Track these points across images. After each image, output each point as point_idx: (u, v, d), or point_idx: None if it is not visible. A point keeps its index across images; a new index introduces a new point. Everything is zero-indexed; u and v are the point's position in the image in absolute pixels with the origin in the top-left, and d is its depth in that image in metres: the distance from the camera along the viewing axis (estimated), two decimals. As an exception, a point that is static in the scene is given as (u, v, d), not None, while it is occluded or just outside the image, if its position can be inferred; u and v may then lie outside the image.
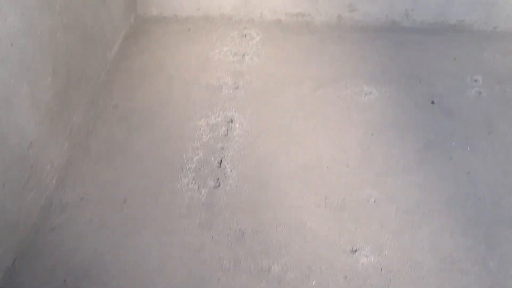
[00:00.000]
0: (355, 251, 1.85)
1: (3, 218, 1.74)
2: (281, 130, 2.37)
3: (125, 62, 2.78)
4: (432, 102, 2.51)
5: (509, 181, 2.13)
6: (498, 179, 2.14)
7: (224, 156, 2.24)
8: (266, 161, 2.21)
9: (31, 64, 1.87)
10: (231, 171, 2.17)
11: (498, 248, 1.87)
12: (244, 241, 1.88)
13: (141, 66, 2.76)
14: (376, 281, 1.77)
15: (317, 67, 2.76)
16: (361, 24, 3.08)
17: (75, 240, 1.88)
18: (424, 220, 1.96)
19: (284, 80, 2.68)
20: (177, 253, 1.83)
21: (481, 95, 2.57)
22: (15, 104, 1.77)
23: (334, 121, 2.41)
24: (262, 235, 1.90)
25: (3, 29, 1.68)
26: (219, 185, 2.10)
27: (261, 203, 2.03)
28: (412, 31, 3.03)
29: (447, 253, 1.85)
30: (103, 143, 2.28)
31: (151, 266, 1.79)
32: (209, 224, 1.94)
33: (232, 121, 2.42)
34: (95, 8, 2.49)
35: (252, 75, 2.71)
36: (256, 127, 2.39)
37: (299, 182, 2.11)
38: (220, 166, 2.19)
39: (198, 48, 2.91)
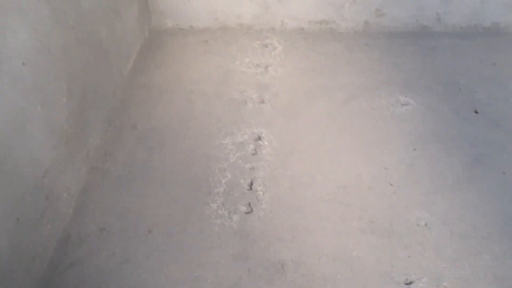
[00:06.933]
0: (410, 283, 1.65)
1: (18, 255, 1.56)
2: (314, 147, 2.18)
3: (141, 77, 2.61)
4: (476, 112, 2.32)
5: None
6: (559, 195, 1.94)
7: (254, 177, 2.05)
8: (301, 181, 2.02)
9: (44, 84, 1.71)
10: (263, 194, 1.98)
11: None
12: (284, 274, 1.69)
13: (159, 82, 2.59)
14: (437, 317, 1.57)
15: (346, 77, 2.58)
16: (390, 30, 2.90)
17: (96, 277, 1.70)
18: (483, 245, 1.76)
19: (312, 91, 2.49)
20: (211, 290, 1.64)
21: (527, 102, 2.38)
22: (28, 129, 1.61)
23: (370, 135, 2.22)
24: (304, 267, 1.71)
25: (14, 47, 1.51)
26: (252, 211, 1.92)
27: (300, 229, 1.84)
28: (445, 36, 2.83)
29: (514, 283, 1.64)
30: (123, 167, 2.10)
31: (183, 306, 1.61)
32: (244, 255, 1.75)
33: (260, 139, 2.24)
34: (109, 21, 2.32)
35: (278, 87, 2.53)
36: (286, 144, 2.20)
37: (340, 205, 1.92)
38: (251, 188, 2.01)
39: (217, 60, 2.74)
